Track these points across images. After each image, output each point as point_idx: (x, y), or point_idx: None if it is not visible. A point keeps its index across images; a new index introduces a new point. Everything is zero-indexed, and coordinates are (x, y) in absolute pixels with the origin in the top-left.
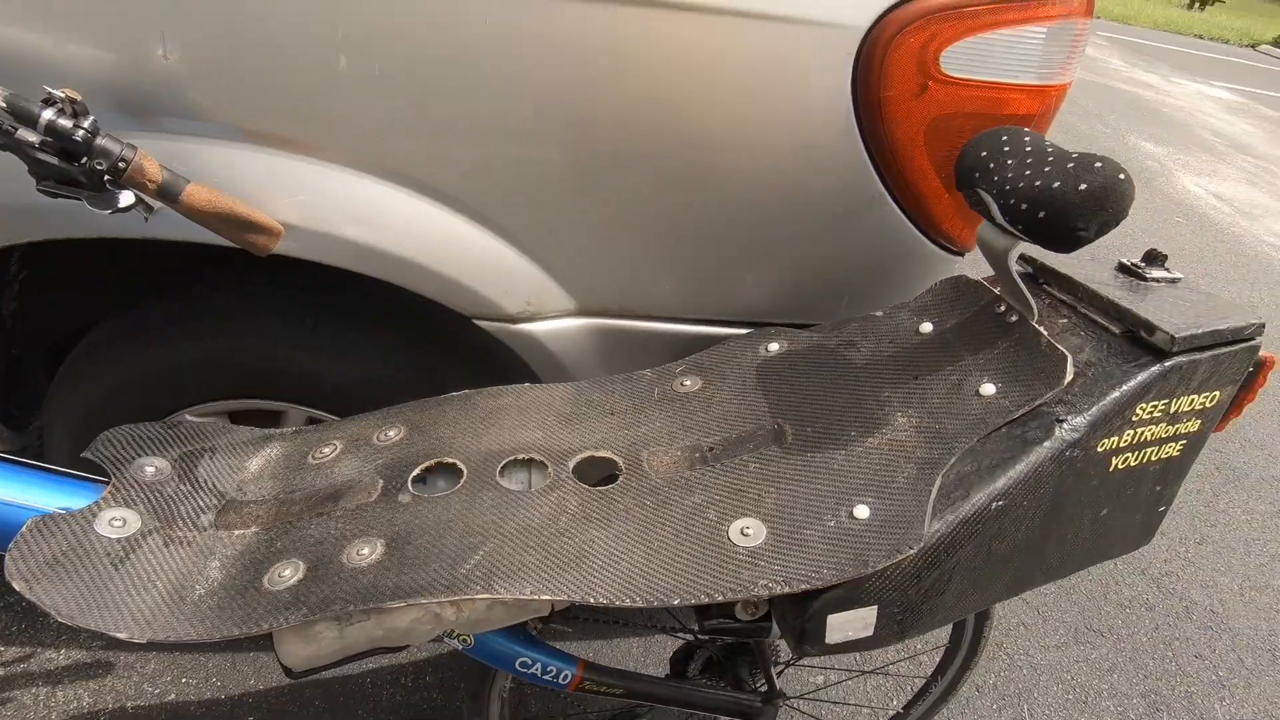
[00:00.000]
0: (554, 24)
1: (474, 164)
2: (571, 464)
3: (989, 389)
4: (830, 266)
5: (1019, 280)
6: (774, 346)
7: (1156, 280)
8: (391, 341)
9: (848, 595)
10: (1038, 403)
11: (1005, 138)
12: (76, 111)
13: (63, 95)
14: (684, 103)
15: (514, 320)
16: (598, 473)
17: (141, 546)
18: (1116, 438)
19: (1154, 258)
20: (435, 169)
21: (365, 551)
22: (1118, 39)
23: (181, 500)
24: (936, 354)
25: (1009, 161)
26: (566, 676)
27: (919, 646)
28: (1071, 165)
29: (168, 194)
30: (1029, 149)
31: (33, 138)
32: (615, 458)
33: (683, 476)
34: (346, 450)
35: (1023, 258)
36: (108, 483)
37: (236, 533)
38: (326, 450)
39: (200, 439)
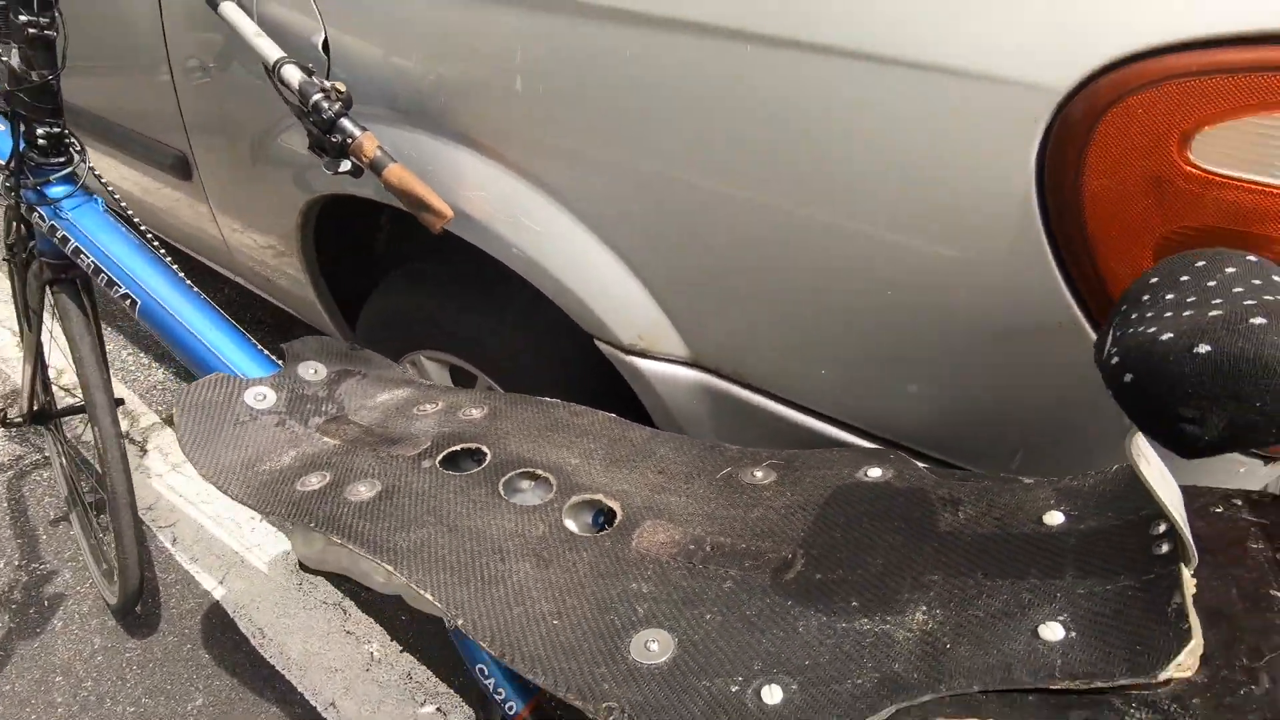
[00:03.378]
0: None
1: (613, 188)
2: (574, 499)
3: (1052, 631)
4: (997, 404)
5: (1162, 500)
6: (874, 473)
7: None
8: (552, 335)
9: None
10: (1099, 684)
11: (1202, 263)
12: (338, 98)
13: (330, 85)
14: (809, 153)
15: (626, 351)
16: (597, 516)
17: (260, 420)
18: None
19: None
20: (578, 186)
21: (362, 490)
22: None
23: (311, 401)
24: (1031, 557)
25: (1167, 297)
26: (512, 708)
27: None
28: (1216, 314)
29: (375, 168)
30: (1214, 283)
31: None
32: (619, 511)
33: (651, 558)
34: (439, 412)
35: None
36: (281, 367)
37: (322, 439)
38: (428, 407)
39: (362, 364)
